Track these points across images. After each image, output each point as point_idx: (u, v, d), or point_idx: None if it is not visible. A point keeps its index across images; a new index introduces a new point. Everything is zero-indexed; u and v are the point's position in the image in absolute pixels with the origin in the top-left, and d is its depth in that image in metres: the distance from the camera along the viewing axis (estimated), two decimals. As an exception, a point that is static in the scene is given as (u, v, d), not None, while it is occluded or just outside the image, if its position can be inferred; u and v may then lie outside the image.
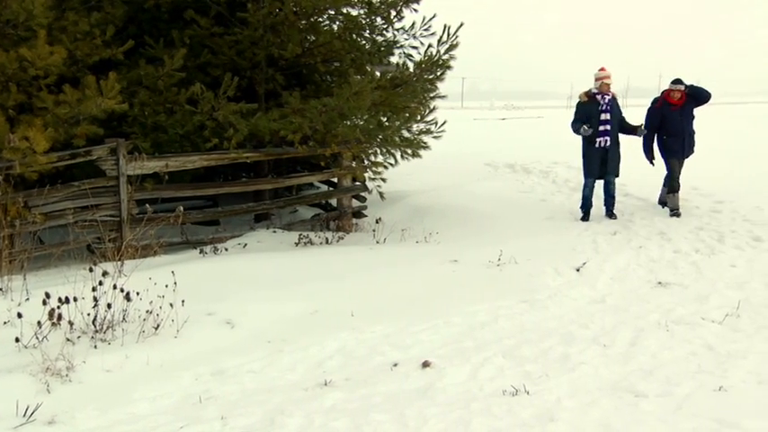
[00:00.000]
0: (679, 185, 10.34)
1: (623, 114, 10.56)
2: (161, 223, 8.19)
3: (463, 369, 5.01)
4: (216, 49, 9.14)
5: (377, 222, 9.83)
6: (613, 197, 10.48)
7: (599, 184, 10.46)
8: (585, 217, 10.42)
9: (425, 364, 5.09)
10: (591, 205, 10.41)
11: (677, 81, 10.31)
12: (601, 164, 10.19)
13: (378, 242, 9.25)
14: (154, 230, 8.08)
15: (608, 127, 10.07)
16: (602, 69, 10.36)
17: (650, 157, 10.63)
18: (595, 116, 10.08)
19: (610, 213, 10.45)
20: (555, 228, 10.12)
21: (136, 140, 8.32)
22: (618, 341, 5.53)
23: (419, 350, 5.43)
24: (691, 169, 9.73)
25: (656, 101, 10.61)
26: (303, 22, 9.71)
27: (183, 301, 5.63)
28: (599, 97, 10.15)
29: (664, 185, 10.73)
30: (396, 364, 5.15)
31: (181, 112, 8.49)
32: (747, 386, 4.52)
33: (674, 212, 10.29)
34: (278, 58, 9.44)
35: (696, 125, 10.47)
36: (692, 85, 10.28)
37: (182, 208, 8.02)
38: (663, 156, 10.51)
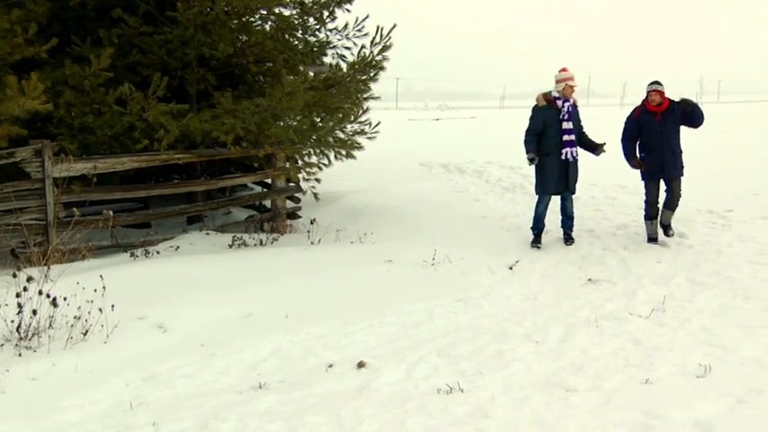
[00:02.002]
0: (657, 211, 8.79)
1: (582, 125, 9.14)
2: (89, 226, 7.99)
3: (398, 368, 5.04)
4: (145, 49, 8.96)
5: (311, 223, 9.80)
6: (572, 218, 9.08)
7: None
8: (537, 240, 8.97)
9: (361, 365, 5.11)
10: (544, 227, 9.01)
11: (655, 82, 8.67)
12: (559, 179, 8.76)
13: (312, 243, 9.22)
14: (82, 234, 7.89)
15: (572, 137, 8.68)
16: (563, 70, 8.87)
17: (633, 161, 8.85)
18: (555, 125, 8.65)
19: (567, 237, 9.07)
20: (488, 227, 10.26)
21: (62, 142, 8.10)
22: (550, 338, 5.65)
23: (354, 351, 5.44)
24: (618, 168, 9.67)
25: (634, 110, 8.92)
26: (235, 21, 9.61)
27: (112, 306, 5.52)
28: (560, 103, 8.68)
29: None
30: (331, 365, 5.15)
31: (109, 112, 8.29)
32: (672, 378, 4.66)
33: (651, 239, 8.90)
34: (209, 58, 9.31)
35: (686, 142, 8.84)
36: (687, 100, 8.64)
37: (111, 211, 7.84)
38: (641, 175, 8.95)
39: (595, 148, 9.00)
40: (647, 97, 8.63)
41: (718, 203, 10.09)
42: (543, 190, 8.90)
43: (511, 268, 7.97)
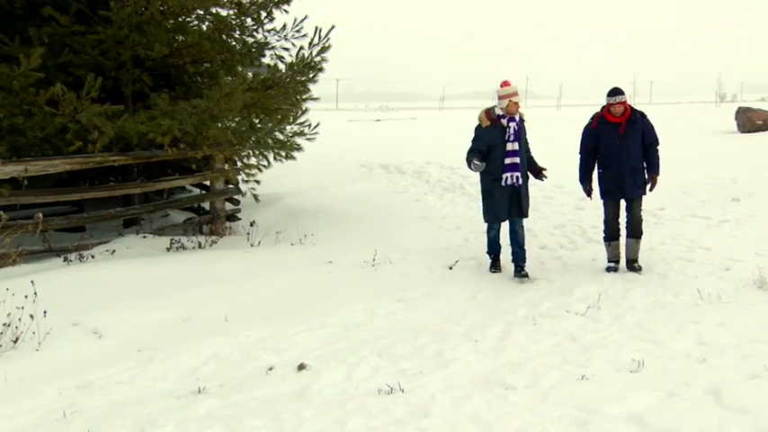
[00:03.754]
0: (617, 231, 7.87)
1: (529, 144, 8.07)
2: (19, 231, 7.76)
3: (339, 370, 5.04)
4: (78, 49, 8.73)
5: (251, 225, 9.72)
6: (524, 248, 7.86)
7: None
8: (495, 264, 8.07)
9: (301, 367, 5.09)
10: (500, 248, 8.08)
11: (616, 91, 7.66)
12: (511, 205, 7.73)
13: (252, 245, 9.15)
14: (12, 238, 7.65)
15: (517, 159, 7.62)
16: (505, 84, 7.71)
17: (587, 186, 8.04)
18: (500, 145, 7.60)
19: (519, 270, 7.76)
20: (428, 227, 10.34)
21: (-10, 144, 7.84)
22: (489, 336, 5.72)
23: (295, 353, 5.42)
24: (555, 167, 9.66)
25: (592, 119, 7.90)
26: (171, 21, 9.45)
27: (45, 313, 5.38)
28: (504, 121, 7.60)
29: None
30: (271, 368, 5.12)
31: (40, 114, 8.05)
32: (607, 373, 4.77)
33: (610, 265, 7.83)
34: (145, 58, 9.14)
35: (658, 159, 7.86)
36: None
37: (41, 215, 7.62)
38: (599, 193, 7.97)
39: (538, 173, 8.01)
40: (607, 108, 7.67)
41: (651, 202, 10.36)
42: (492, 218, 7.91)
43: (451, 268, 8.04)
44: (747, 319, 5.67)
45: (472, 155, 7.65)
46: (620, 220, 7.87)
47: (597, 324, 5.93)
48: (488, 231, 8.06)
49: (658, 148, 7.79)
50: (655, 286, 6.93)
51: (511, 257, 7.87)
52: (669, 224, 9.62)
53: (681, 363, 4.86)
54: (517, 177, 7.64)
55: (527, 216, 7.95)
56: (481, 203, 8.02)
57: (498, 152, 7.61)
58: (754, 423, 3.68)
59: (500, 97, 7.65)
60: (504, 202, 7.71)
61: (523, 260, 7.78)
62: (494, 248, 8.08)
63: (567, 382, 4.62)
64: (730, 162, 14.37)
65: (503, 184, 7.64)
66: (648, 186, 7.80)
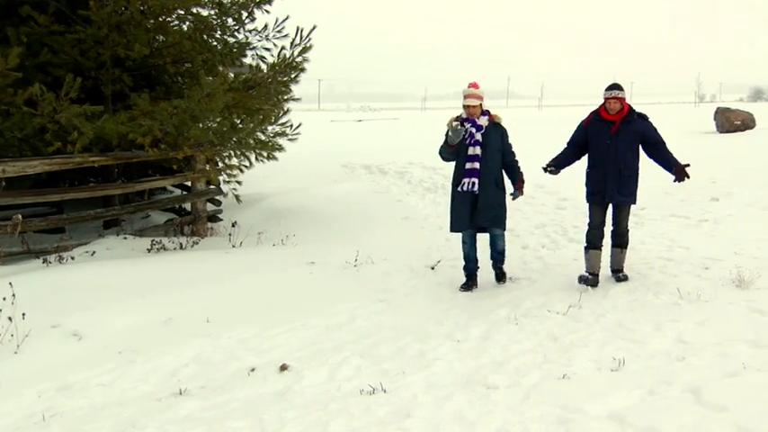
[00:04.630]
0: (600, 240, 7.23)
1: (512, 148, 7.40)
2: (-2, 232, 7.68)
3: (321, 371, 5.04)
4: (57, 48, 8.66)
5: (233, 226, 9.69)
6: (501, 253, 7.49)
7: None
8: (468, 283, 7.38)
9: (283, 368, 5.08)
10: (475, 265, 7.45)
11: (614, 86, 7.05)
12: (471, 213, 7.16)
13: (234, 246, 9.12)
14: (-10, 240, 7.58)
15: (476, 165, 7.05)
16: (472, 86, 7.21)
17: (549, 163, 7.43)
18: (463, 149, 7.13)
19: (499, 275, 7.58)
20: (410, 227, 10.35)
21: (-32, 145, 7.76)
22: (471, 336, 5.73)
23: (277, 354, 5.42)
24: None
25: (588, 116, 7.32)
26: (151, 21, 9.39)
27: (23, 315, 5.34)
28: (468, 124, 7.11)
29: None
30: (253, 369, 5.11)
31: (18, 114, 7.98)
32: (588, 372, 4.79)
33: (583, 278, 7.19)
34: (125, 58, 9.07)
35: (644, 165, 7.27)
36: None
37: (20, 216, 7.55)
38: (585, 196, 7.39)
39: (519, 183, 7.33)
40: (604, 104, 7.07)
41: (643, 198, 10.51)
42: (453, 227, 7.39)
43: (433, 268, 8.05)
44: (726, 317, 5.71)
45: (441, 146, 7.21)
46: (605, 229, 7.24)
47: (578, 323, 5.95)
48: (462, 246, 7.46)
49: (667, 148, 7.11)
50: (635, 285, 6.96)
51: (492, 264, 7.59)
52: (649, 224, 9.69)
53: (661, 361, 4.89)
54: (473, 183, 7.05)
55: (501, 227, 7.35)
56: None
57: (462, 157, 7.16)
58: (732, 420, 3.71)
59: (463, 98, 7.23)
60: (464, 210, 7.17)
61: (501, 262, 7.52)
62: (468, 264, 7.43)
63: (549, 381, 4.63)
64: (709, 162, 14.46)
65: (459, 189, 7.14)
66: (675, 178, 7.05)
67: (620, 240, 7.21)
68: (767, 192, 11.19)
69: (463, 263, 7.47)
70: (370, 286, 7.32)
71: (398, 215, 11.29)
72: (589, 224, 7.30)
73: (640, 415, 3.91)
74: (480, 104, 7.17)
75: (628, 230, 7.25)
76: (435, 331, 5.90)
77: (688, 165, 7.05)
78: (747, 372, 4.43)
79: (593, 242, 7.21)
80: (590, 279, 7.13)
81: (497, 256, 7.52)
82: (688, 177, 7.03)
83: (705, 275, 7.11)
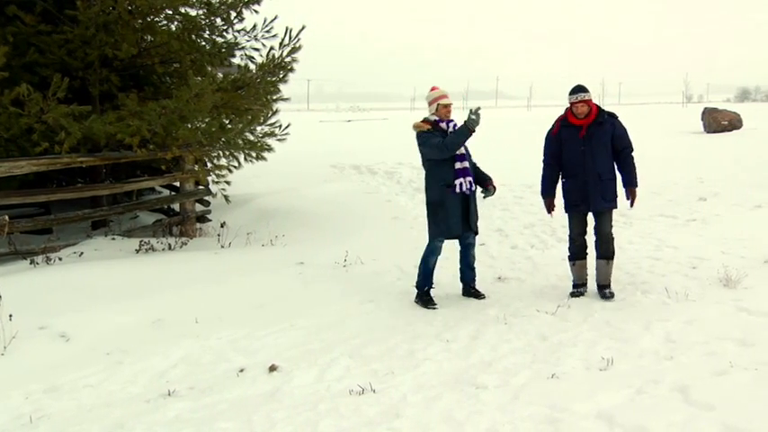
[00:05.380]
0: (584, 250, 6.91)
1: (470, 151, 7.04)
2: (-15, 233, 7.63)
3: (310, 371, 5.03)
4: (44, 48, 8.62)
5: (222, 226, 9.67)
6: (474, 268, 7.11)
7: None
8: (430, 299, 6.85)
9: (272, 368, 5.07)
10: (432, 283, 6.96)
11: (578, 89, 6.65)
12: (462, 218, 6.78)
13: (223, 247, 9.09)
14: (-23, 241, 7.53)
15: (466, 164, 6.75)
16: (433, 89, 7.01)
17: (548, 199, 7.02)
18: None
19: (474, 291, 7.07)
20: (399, 227, 10.35)
21: (-46, 145, 7.71)
22: (460, 336, 5.74)
23: (266, 354, 5.40)
24: (525, 167, 9.56)
25: (554, 124, 6.85)
26: (139, 21, 9.35)
27: (10, 316, 5.31)
28: (443, 125, 6.77)
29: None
30: (242, 370, 5.10)
31: (5, 114, 7.92)
32: (577, 372, 4.81)
33: (574, 290, 6.87)
34: (112, 58, 9.03)
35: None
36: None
37: (6, 217, 7.51)
38: (564, 206, 6.94)
39: (487, 186, 7.01)
40: (570, 108, 6.68)
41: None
42: (442, 232, 6.83)
43: (422, 268, 8.04)
44: (714, 316, 5.75)
45: (453, 135, 6.61)
46: (587, 237, 6.92)
47: (567, 323, 5.97)
48: (427, 258, 6.91)
49: (633, 155, 6.72)
50: (624, 285, 6.99)
51: (460, 276, 7.15)
52: (638, 223, 9.73)
53: (649, 360, 4.92)
54: (470, 183, 6.77)
55: (477, 232, 7.05)
56: (427, 219, 6.98)
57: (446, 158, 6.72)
58: (719, 419, 3.74)
59: (429, 103, 6.93)
60: (457, 213, 6.73)
61: (474, 280, 7.11)
62: (428, 280, 6.91)
63: (538, 381, 4.65)
64: (697, 162, 14.59)
65: (456, 191, 6.68)
66: (629, 203, 6.79)
67: (606, 249, 6.73)
68: (754, 191, 11.27)
69: (421, 279, 6.91)
70: (360, 286, 7.32)
71: (388, 215, 11.29)
72: (570, 236, 6.95)
73: (629, 414, 3.93)
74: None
75: (612, 237, 6.82)
76: (424, 331, 5.91)
77: (635, 191, 6.77)
78: (734, 370, 4.46)
79: (576, 253, 6.91)
80: (580, 290, 6.86)
81: (470, 272, 7.09)
82: (635, 202, 6.86)
83: (693, 275, 7.16)
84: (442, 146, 6.61)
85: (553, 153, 6.81)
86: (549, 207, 7.04)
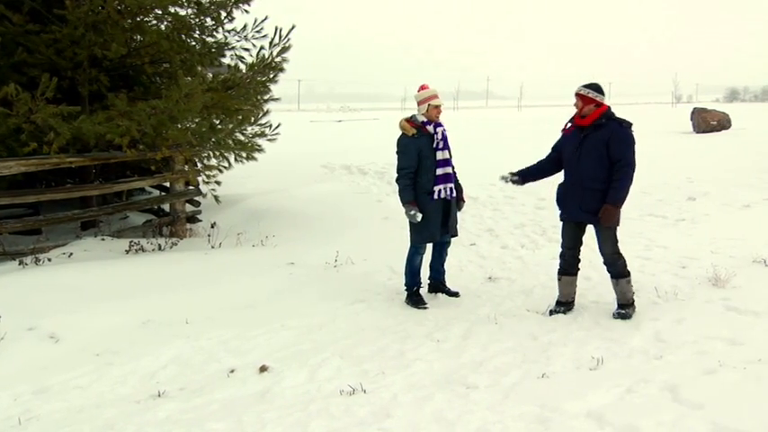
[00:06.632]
0: (573, 265, 6.38)
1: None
2: (-27, 234, 7.59)
3: (301, 371, 5.03)
4: (32, 48, 8.57)
5: (212, 227, 9.65)
6: (443, 264, 7.21)
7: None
8: (420, 299, 6.87)
9: (263, 369, 5.06)
10: (420, 281, 7.01)
11: (586, 85, 6.12)
12: (442, 222, 6.77)
13: (213, 247, 9.07)
14: (-35, 242, 7.49)
15: (449, 169, 6.69)
16: (423, 87, 6.79)
17: (515, 175, 6.61)
18: (429, 155, 6.61)
19: (450, 291, 7.14)
20: (390, 228, 10.34)
21: (-58, 146, 7.65)
22: (451, 336, 5.75)
23: (257, 355, 5.39)
24: (516, 167, 9.39)
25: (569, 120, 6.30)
26: (128, 21, 9.29)
27: (-1, 317, 5.27)
28: (430, 128, 6.62)
29: None
30: (233, 371, 5.09)
31: (-7, 114, 7.89)
32: (567, 371, 4.82)
33: (555, 308, 6.33)
34: (102, 58, 8.99)
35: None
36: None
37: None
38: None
39: (460, 198, 7.01)
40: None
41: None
42: (423, 238, 6.82)
43: (413, 268, 8.04)
44: (703, 315, 5.77)
45: (407, 183, 6.63)
46: (580, 254, 6.40)
47: (557, 322, 5.99)
48: (412, 259, 6.93)
49: (629, 171, 5.90)
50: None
51: (430, 273, 7.18)
52: (628, 223, 9.71)
53: (639, 359, 4.94)
54: (451, 189, 6.70)
55: (456, 234, 7.07)
56: (408, 224, 6.85)
57: (428, 163, 6.60)
58: (708, 418, 3.75)
59: (419, 103, 6.73)
60: (438, 219, 6.70)
61: (443, 275, 7.18)
62: (416, 278, 6.93)
63: (528, 381, 4.66)
64: (686, 162, 14.64)
65: (435, 197, 6.61)
66: (601, 215, 5.95)
67: (613, 269, 6.17)
68: (743, 191, 11.32)
69: (409, 279, 6.92)
70: (350, 287, 7.31)
71: (378, 215, 11.29)
72: (561, 245, 6.42)
73: (619, 413, 3.94)
74: None
75: (617, 257, 6.13)
76: (415, 331, 5.91)
77: (610, 209, 5.90)
78: (724, 369, 4.48)
79: (563, 267, 6.37)
80: (560, 309, 6.29)
81: (442, 268, 7.15)
82: (606, 222, 5.96)
83: (682, 274, 7.19)
84: (401, 176, 6.66)
85: (556, 147, 6.40)
86: (512, 178, 6.61)
